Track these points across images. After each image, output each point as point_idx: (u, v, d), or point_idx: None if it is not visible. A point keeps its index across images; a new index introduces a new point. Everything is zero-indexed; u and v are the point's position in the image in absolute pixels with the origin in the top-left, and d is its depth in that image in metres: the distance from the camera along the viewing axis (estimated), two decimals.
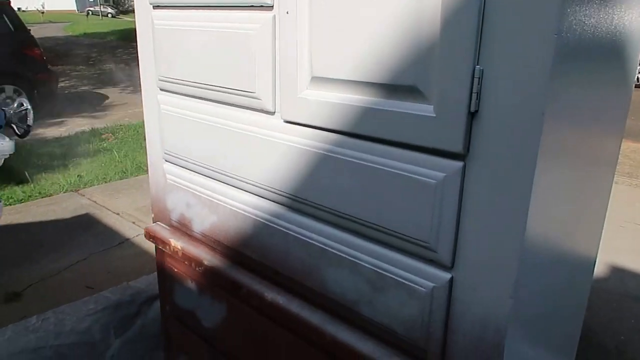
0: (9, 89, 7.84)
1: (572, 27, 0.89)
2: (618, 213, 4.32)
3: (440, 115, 0.97)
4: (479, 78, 0.90)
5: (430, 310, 1.10)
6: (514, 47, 0.86)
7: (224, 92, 1.42)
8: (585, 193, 1.39)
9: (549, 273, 1.22)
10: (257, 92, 1.32)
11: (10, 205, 4.56)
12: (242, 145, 1.42)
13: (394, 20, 0.99)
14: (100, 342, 2.52)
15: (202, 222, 1.65)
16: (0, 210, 3.05)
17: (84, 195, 4.80)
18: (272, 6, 1.23)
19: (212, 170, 1.55)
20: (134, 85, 10.33)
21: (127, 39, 20.92)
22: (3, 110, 3.01)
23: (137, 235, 3.87)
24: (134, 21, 1.73)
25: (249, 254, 1.51)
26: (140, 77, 1.74)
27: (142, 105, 1.80)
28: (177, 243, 1.74)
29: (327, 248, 1.27)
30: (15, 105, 3.13)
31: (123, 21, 35.42)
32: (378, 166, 1.10)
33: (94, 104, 9.79)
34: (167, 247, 1.79)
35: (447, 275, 1.06)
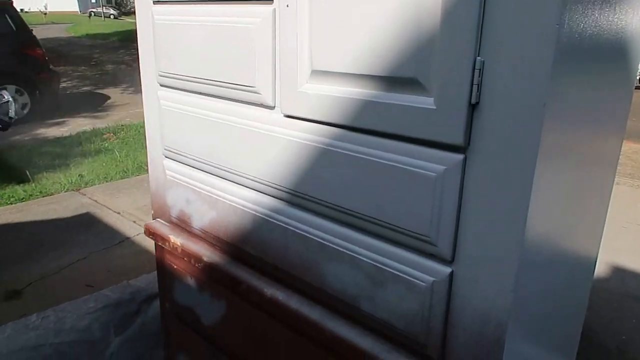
0: (11, 88, 7.86)
1: (573, 20, 0.88)
2: (620, 214, 4.31)
3: (441, 107, 0.96)
4: (480, 69, 0.90)
5: (430, 305, 1.09)
6: (515, 38, 0.86)
7: (224, 87, 1.41)
8: (586, 192, 1.38)
9: (549, 272, 1.22)
10: (257, 87, 1.31)
11: (11, 204, 4.56)
12: (241, 140, 1.42)
13: (394, 12, 0.99)
14: (100, 341, 2.52)
15: (202, 218, 1.65)
16: None
17: (84, 195, 4.80)
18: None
19: (212, 166, 1.55)
20: (136, 86, 10.34)
21: (129, 40, 20.95)
22: None
23: (137, 234, 3.87)
24: (136, 22, 1.73)
25: (249, 249, 1.51)
26: (140, 72, 1.74)
27: (143, 106, 1.80)
28: (176, 239, 1.74)
29: (326, 243, 1.26)
30: None
31: (125, 22, 35.49)
32: (378, 159, 1.09)
33: (96, 104, 9.81)
34: (167, 244, 1.78)
35: (447, 270, 1.05)
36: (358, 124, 1.12)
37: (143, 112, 1.81)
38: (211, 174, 1.57)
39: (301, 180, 1.28)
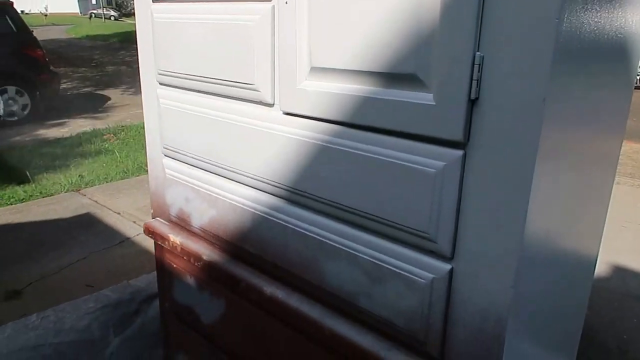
0: (11, 89, 7.86)
1: (573, 15, 0.88)
2: (620, 213, 4.30)
3: (440, 103, 0.96)
4: (480, 65, 0.89)
5: (429, 302, 1.09)
6: (515, 33, 0.85)
7: (223, 85, 1.41)
8: (586, 191, 1.38)
9: (549, 270, 1.21)
10: (256, 84, 1.31)
11: (12, 204, 4.56)
12: (241, 138, 1.42)
13: (393, 8, 0.98)
14: (100, 340, 2.52)
15: (201, 216, 1.64)
16: None
17: (85, 195, 4.80)
18: None
19: (211, 164, 1.54)
20: (136, 87, 10.35)
21: (130, 41, 20.95)
22: None
23: (137, 235, 3.86)
24: (135, 21, 1.73)
25: (248, 247, 1.50)
26: (140, 71, 1.74)
27: (143, 106, 1.80)
28: (176, 238, 1.74)
29: (325, 240, 1.26)
30: None
31: (126, 24, 35.51)
32: (377, 156, 1.09)
33: (96, 105, 9.81)
34: (166, 243, 1.78)
35: (447, 266, 1.05)
36: (357, 121, 1.11)
37: (143, 113, 1.81)
38: (210, 172, 1.57)
39: (300, 177, 1.28)
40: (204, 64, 1.45)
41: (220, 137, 1.48)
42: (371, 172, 1.11)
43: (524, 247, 0.95)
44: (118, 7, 51.41)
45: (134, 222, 4.13)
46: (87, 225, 4.12)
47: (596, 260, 1.67)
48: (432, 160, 1.00)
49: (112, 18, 45.21)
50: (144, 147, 1.84)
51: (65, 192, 4.88)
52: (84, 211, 4.40)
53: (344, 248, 1.22)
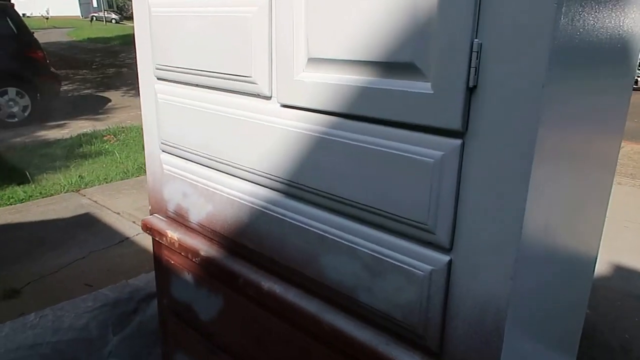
0: (12, 91, 7.87)
1: (571, 9, 0.87)
2: (621, 213, 4.29)
3: (438, 92, 0.95)
4: (478, 52, 0.88)
5: (428, 295, 1.07)
6: (513, 19, 0.84)
7: (221, 78, 1.40)
8: (585, 187, 1.36)
9: (547, 265, 1.20)
10: (254, 76, 1.30)
11: (11, 204, 4.56)
12: (238, 131, 1.41)
13: None
14: (98, 339, 2.51)
15: (199, 212, 1.63)
16: None
17: (84, 195, 4.79)
18: None
19: (209, 159, 1.53)
20: (136, 89, 10.35)
21: (130, 44, 20.91)
22: None
23: (137, 234, 3.86)
24: (133, 16, 1.72)
25: (246, 242, 1.49)
26: (138, 67, 1.73)
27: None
28: (173, 234, 1.72)
29: (323, 234, 1.25)
30: None
31: (127, 26, 35.58)
32: (375, 147, 1.08)
33: (97, 106, 9.82)
34: (164, 239, 1.77)
35: (446, 258, 1.03)
36: (355, 112, 1.10)
37: (141, 109, 1.80)
38: (208, 166, 1.56)
39: (298, 170, 1.27)
40: (201, 58, 1.44)
41: (218, 131, 1.47)
42: (369, 163, 1.10)
43: (523, 238, 0.94)
44: (119, 10, 51.59)
45: (134, 222, 4.13)
46: (87, 225, 4.11)
47: (596, 259, 1.65)
48: (430, 150, 0.99)
49: (114, 21, 45.37)
50: (143, 148, 1.83)
51: (65, 192, 4.88)
52: (83, 211, 4.40)
53: (342, 241, 1.21)
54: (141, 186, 4.96)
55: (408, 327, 1.14)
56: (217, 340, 1.76)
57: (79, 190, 4.93)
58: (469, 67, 0.89)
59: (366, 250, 1.17)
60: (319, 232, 1.26)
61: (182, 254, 1.71)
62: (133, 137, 7.05)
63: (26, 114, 8.09)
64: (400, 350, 1.16)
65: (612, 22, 1.12)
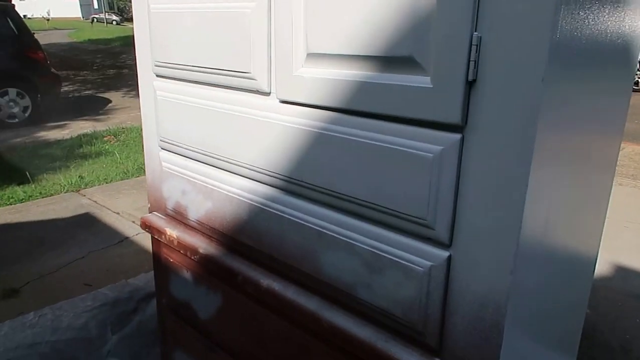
0: (12, 91, 7.87)
1: (570, 11, 0.87)
2: (622, 214, 4.29)
3: (437, 85, 0.94)
4: (477, 45, 0.88)
5: (427, 291, 1.07)
6: (513, 12, 0.84)
7: (219, 74, 1.40)
8: (585, 186, 1.36)
9: (547, 263, 1.19)
10: (253, 72, 1.30)
11: (11, 204, 4.55)
12: (237, 128, 1.40)
13: None
14: (97, 338, 2.50)
15: (198, 209, 1.63)
16: None
17: (84, 195, 4.79)
18: None
19: (208, 156, 1.53)
20: (136, 90, 10.37)
21: (131, 45, 20.89)
22: None
23: (136, 234, 3.85)
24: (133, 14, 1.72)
25: (244, 240, 1.48)
26: (137, 64, 1.72)
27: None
28: (172, 232, 1.72)
29: (322, 230, 1.24)
30: None
31: (127, 28, 35.62)
32: (374, 142, 1.07)
33: (97, 107, 9.83)
34: (163, 237, 1.76)
35: (445, 254, 1.03)
36: (354, 107, 1.10)
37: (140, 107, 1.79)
38: (207, 163, 1.56)
39: (297, 166, 1.26)
40: (200, 54, 1.44)
41: (217, 128, 1.47)
42: (368, 158, 1.09)
43: (523, 234, 0.93)
44: (120, 12, 51.68)
45: (133, 222, 4.12)
46: (86, 224, 4.11)
47: (596, 259, 1.65)
48: (430, 144, 0.99)
49: (114, 22, 45.45)
50: (144, 148, 1.83)
51: (65, 192, 4.87)
52: (83, 211, 4.39)
53: (341, 237, 1.20)
54: (141, 186, 4.95)
55: (407, 323, 1.13)
56: (216, 337, 1.75)
57: (79, 191, 4.92)
58: (469, 60, 0.89)
59: (365, 247, 1.16)
60: (317, 228, 1.25)
61: (181, 251, 1.70)
62: (133, 138, 7.04)
63: (27, 114, 8.09)
64: (400, 347, 1.15)
65: (612, 22, 1.12)
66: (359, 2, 1.03)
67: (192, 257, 1.66)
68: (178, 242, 1.69)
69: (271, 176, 1.34)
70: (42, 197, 4.73)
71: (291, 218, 1.31)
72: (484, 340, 1.02)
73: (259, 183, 1.40)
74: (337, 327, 1.26)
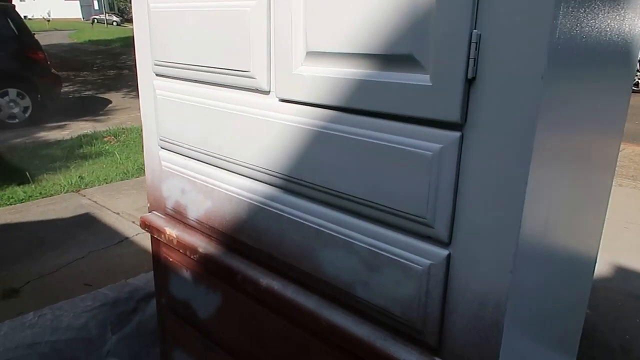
0: (12, 92, 7.88)
1: (569, 11, 0.87)
2: (622, 215, 4.28)
3: (437, 83, 0.94)
4: (476, 43, 0.88)
5: (427, 289, 1.06)
6: (512, 10, 0.84)
7: (219, 73, 1.40)
8: (585, 186, 1.36)
9: (547, 263, 1.19)
10: (252, 71, 1.29)
11: (11, 204, 4.55)
12: (237, 127, 1.40)
13: None
14: (97, 338, 2.50)
15: (197, 208, 1.63)
16: None
17: (84, 196, 4.79)
18: None
19: (207, 155, 1.53)
20: (136, 91, 10.37)
21: (131, 46, 20.96)
22: None
23: (136, 234, 3.85)
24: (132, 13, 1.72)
25: (244, 239, 1.48)
26: (136, 63, 1.72)
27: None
28: (172, 231, 1.72)
29: (321, 229, 1.24)
30: None
31: (128, 29, 35.63)
32: (373, 140, 1.07)
33: (97, 108, 9.83)
34: (162, 236, 1.76)
35: (444, 252, 1.03)
36: (353, 105, 1.10)
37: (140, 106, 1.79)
38: (206, 163, 1.56)
39: (296, 165, 1.26)
40: (200, 53, 1.44)
41: (216, 127, 1.47)
42: (367, 156, 1.09)
43: (523, 232, 0.93)
44: (120, 13, 51.71)
45: (133, 222, 4.12)
46: (86, 225, 4.11)
47: (596, 259, 1.64)
48: (429, 142, 0.98)
49: (115, 23, 45.47)
50: (144, 149, 1.83)
51: (65, 192, 4.87)
52: (83, 211, 4.39)
53: (340, 236, 1.20)
54: (141, 187, 4.95)
55: (406, 322, 1.13)
56: (216, 337, 1.75)
57: (79, 191, 4.92)
58: (468, 58, 0.89)
59: (364, 245, 1.16)
60: (317, 227, 1.25)
61: (181, 251, 1.70)
62: (133, 139, 7.04)
63: (27, 115, 8.09)
64: (399, 346, 1.15)
65: (612, 22, 1.11)
66: (358, 0, 1.03)
67: (192, 257, 1.66)
68: (177, 241, 1.69)
69: (270, 175, 1.34)
70: (42, 197, 4.74)
71: (290, 217, 1.31)
72: (484, 339, 1.02)
73: (259, 182, 1.40)
74: (336, 325, 1.25)
